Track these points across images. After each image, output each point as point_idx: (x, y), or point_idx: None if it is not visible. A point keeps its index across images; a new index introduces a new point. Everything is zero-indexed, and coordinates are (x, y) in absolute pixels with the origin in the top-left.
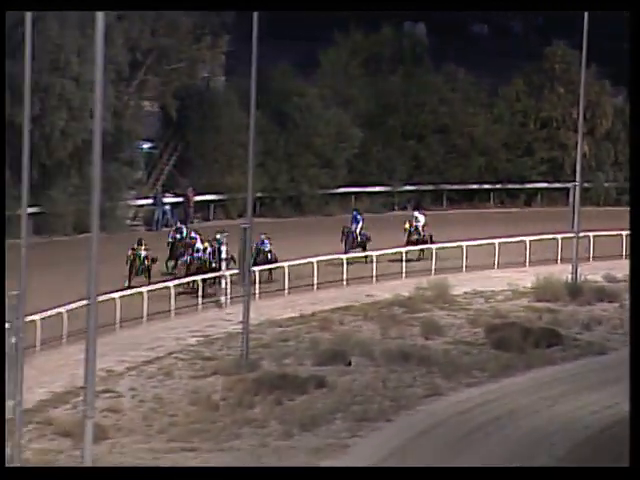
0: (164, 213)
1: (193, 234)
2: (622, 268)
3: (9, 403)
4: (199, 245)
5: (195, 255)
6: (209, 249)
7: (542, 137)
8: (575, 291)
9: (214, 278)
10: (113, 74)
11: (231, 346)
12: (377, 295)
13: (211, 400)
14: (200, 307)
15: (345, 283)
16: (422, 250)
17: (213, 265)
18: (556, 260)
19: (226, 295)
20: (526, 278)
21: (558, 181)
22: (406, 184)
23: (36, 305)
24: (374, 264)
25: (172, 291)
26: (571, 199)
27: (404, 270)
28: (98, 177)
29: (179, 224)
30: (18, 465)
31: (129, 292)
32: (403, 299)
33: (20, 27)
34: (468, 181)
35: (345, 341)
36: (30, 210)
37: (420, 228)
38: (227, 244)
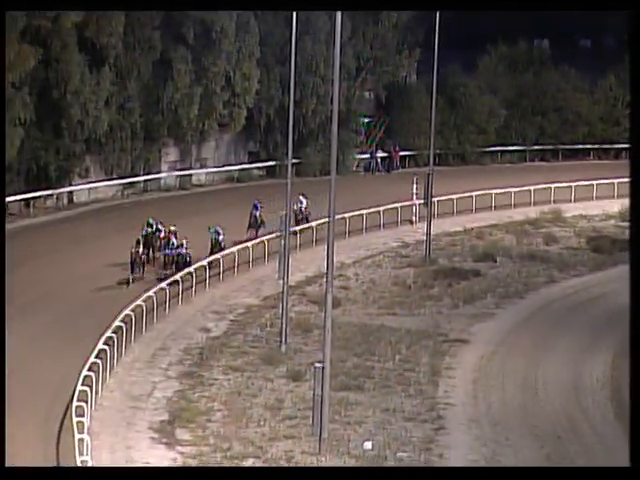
0: (377, 163)
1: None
2: None
3: (279, 282)
4: (174, 241)
5: (170, 251)
6: (184, 244)
7: (626, 114)
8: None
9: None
10: (345, 74)
11: (419, 248)
12: (514, 217)
13: (406, 283)
14: (399, 224)
15: (493, 209)
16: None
17: (188, 260)
18: None
19: (415, 217)
20: (615, 206)
21: None
22: (534, 144)
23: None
24: (512, 195)
25: (382, 214)
26: None
27: (533, 200)
28: (335, 139)
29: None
30: (18, 465)
31: (355, 213)
32: (531, 219)
33: (286, 46)
34: (576, 143)
35: (493, 246)
36: (293, 160)
37: None
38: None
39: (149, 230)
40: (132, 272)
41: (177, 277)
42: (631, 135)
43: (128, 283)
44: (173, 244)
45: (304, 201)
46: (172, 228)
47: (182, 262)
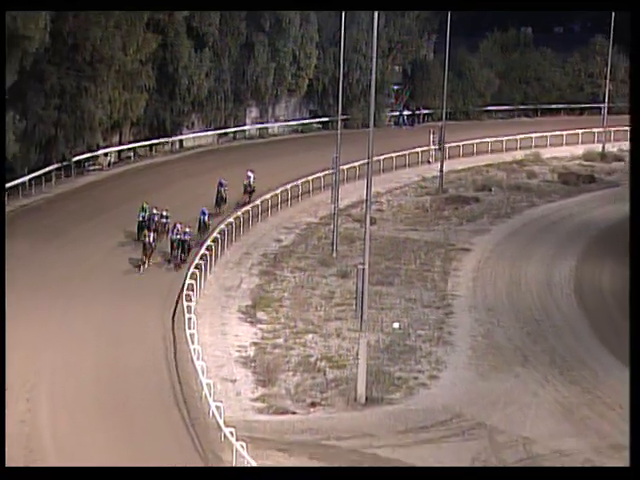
0: (403, 119)
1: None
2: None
3: (331, 205)
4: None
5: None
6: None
7: (588, 82)
8: (603, 156)
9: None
10: (380, 53)
11: (434, 182)
12: (505, 158)
13: (424, 207)
14: (419, 164)
15: (489, 152)
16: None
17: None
18: (593, 141)
19: (431, 158)
20: (579, 150)
21: (596, 102)
22: (520, 105)
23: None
24: (503, 142)
25: (407, 156)
26: (603, 113)
27: (518, 145)
28: (373, 101)
29: None
30: (18, 465)
31: (387, 155)
32: (517, 160)
33: (338, 32)
34: (551, 103)
35: (488, 180)
36: (342, 117)
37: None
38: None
39: (144, 215)
40: (145, 256)
41: (257, 202)
42: (631, 135)
43: (139, 267)
44: (177, 229)
45: (251, 175)
46: (164, 213)
47: (187, 246)
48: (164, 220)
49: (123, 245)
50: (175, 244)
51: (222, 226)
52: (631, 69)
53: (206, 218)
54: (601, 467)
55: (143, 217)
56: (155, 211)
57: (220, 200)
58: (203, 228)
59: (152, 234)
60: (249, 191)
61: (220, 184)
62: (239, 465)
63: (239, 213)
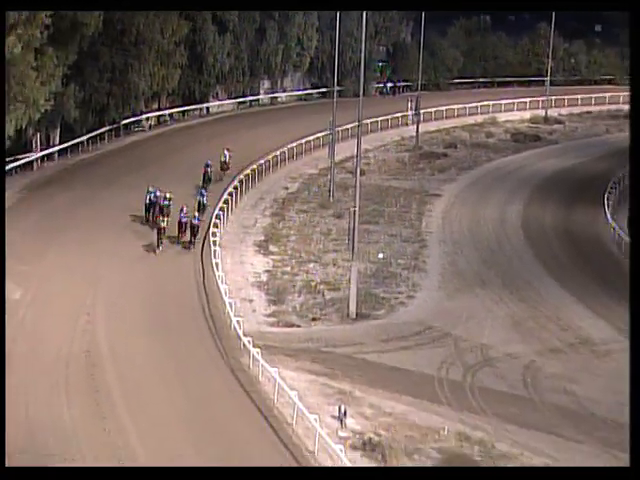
0: (387, 89)
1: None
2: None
3: (328, 160)
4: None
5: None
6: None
7: (535, 60)
8: (546, 119)
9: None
10: (368, 36)
11: (412, 140)
12: (468, 121)
13: (403, 161)
14: (399, 126)
15: (455, 117)
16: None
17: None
18: (538, 108)
19: (410, 121)
20: (527, 115)
21: (541, 76)
22: (480, 78)
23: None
24: (467, 109)
25: (389, 120)
26: (546, 85)
27: (479, 111)
28: (362, 75)
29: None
30: (18, 465)
31: (373, 119)
32: (478, 123)
33: (335, 19)
34: (505, 77)
35: (455, 138)
36: (337, 88)
37: None
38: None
39: (150, 196)
40: (158, 238)
41: (269, 157)
42: (631, 135)
43: (155, 251)
44: (184, 211)
45: (227, 154)
46: (168, 195)
47: (196, 227)
48: (167, 202)
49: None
50: (184, 227)
51: (241, 176)
52: (631, 69)
53: (205, 199)
54: (601, 467)
55: (150, 199)
56: (159, 193)
57: (207, 180)
58: (202, 209)
59: (166, 219)
60: (225, 168)
61: (207, 165)
62: (255, 368)
63: (254, 166)
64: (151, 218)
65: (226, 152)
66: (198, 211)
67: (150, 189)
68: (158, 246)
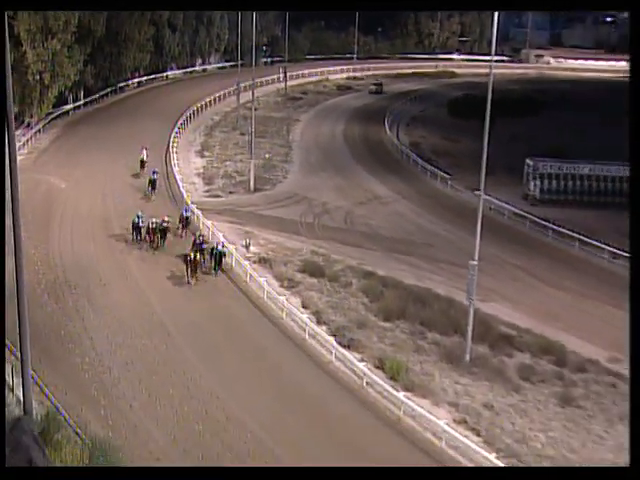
0: (269, 62)
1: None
2: (364, 73)
3: (237, 102)
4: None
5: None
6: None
7: (345, 46)
8: (355, 78)
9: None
10: (256, 31)
11: (283, 90)
12: (312, 80)
13: (278, 102)
14: (275, 82)
15: (306, 77)
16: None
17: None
18: (350, 71)
19: (281, 80)
20: (345, 75)
21: (351, 54)
22: (319, 55)
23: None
24: (312, 73)
25: (270, 80)
26: (354, 57)
27: (319, 74)
28: (254, 54)
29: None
30: (18, 465)
31: (261, 79)
32: (317, 81)
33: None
34: (333, 54)
35: (306, 89)
36: (240, 62)
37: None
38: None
39: (138, 221)
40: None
41: (203, 102)
42: (631, 135)
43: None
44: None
45: (144, 152)
46: (167, 218)
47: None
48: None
49: (150, 123)
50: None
51: (188, 112)
52: (631, 69)
53: (189, 214)
54: (601, 467)
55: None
56: (156, 219)
57: (153, 186)
58: (185, 223)
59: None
60: (143, 166)
61: (154, 172)
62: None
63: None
64: (136, 239)
65: (144, 151)
66: (180, 223)
67: (140, 214)
68: (156, 246)
